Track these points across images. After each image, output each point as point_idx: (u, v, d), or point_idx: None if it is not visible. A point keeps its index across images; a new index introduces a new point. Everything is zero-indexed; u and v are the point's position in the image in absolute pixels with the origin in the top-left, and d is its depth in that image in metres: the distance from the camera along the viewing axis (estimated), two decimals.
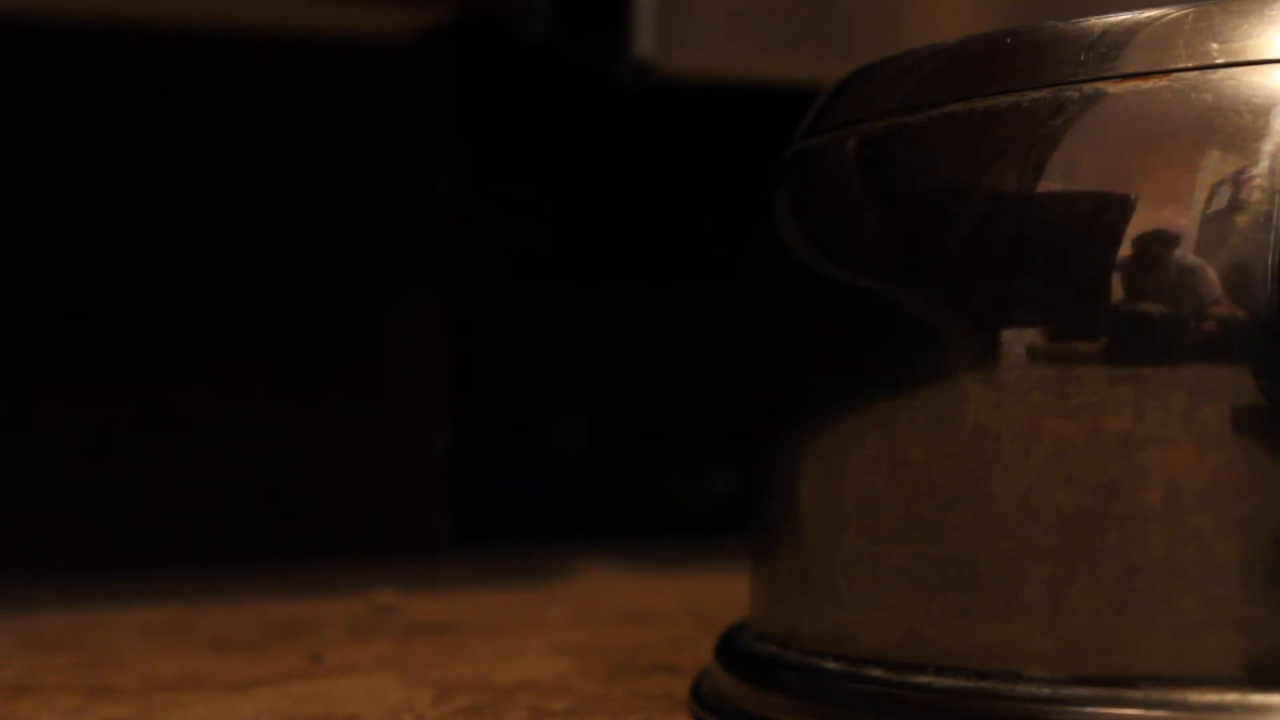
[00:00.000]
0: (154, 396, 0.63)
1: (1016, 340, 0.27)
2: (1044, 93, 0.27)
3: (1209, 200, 0.26)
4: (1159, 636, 0.25)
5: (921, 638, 0.28)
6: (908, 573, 0.28)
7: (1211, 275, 0.25)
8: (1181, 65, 0.26)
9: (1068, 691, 0.26)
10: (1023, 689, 0.26)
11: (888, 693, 0.28)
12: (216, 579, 0.58)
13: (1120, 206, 0.26)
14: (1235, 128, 0.26)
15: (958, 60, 0.30)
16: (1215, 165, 0.26)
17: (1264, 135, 0.26)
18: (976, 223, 0.28)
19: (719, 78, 0.61)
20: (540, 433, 0.71)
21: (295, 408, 0.65)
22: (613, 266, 0.72)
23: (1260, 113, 0.26)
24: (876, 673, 0.28)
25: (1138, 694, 0.25)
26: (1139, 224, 0.26)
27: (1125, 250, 0.26)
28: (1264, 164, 0.25)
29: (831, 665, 0.30)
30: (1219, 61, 0.26)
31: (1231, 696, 0.25)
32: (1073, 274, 0.26)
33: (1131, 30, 0.27)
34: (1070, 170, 0.27)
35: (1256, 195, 0.25)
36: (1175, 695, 0.25)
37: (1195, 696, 0.25)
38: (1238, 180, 0.25)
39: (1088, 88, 0.27)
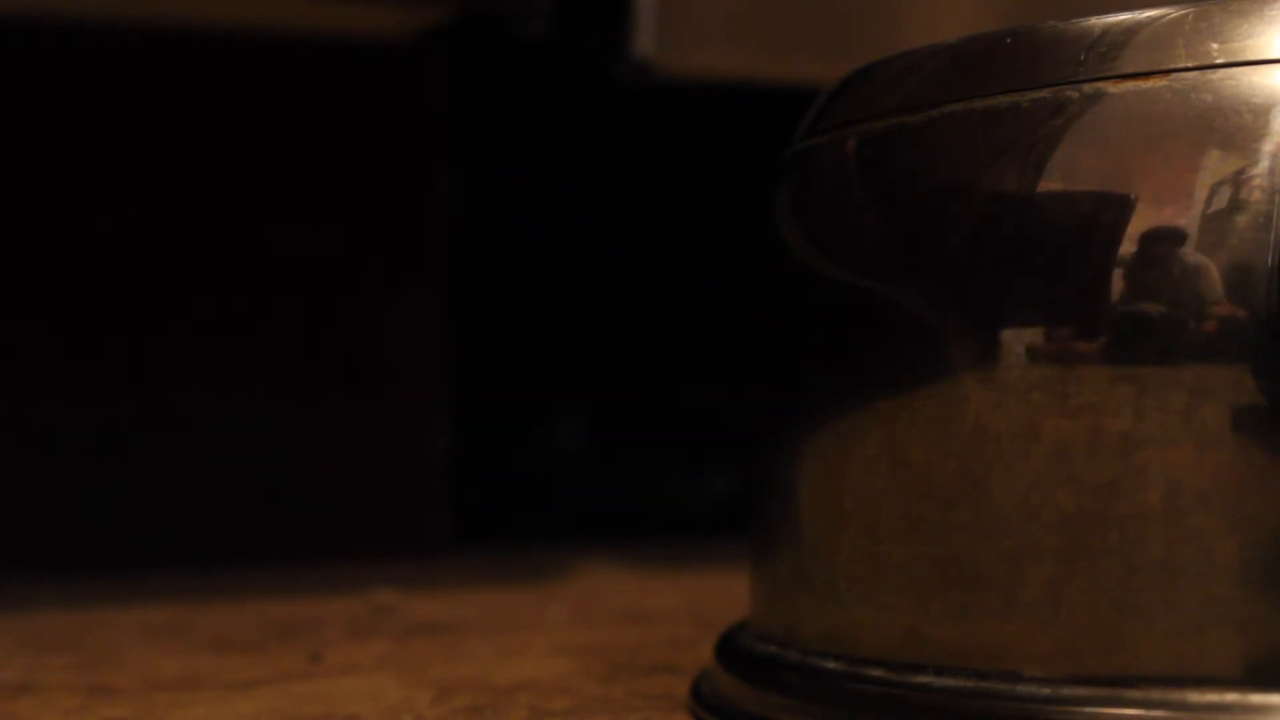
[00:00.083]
0: (154, 396, 0.63)
1: (1016, 340, 0.27)
2: (1044, 93, 0.27)
3: (1209, 200, 0.26)
4: (1159, 636, 0.25)
5: (921, 638, 0.28)
6: (908, 573, 0.28)
7: (1211, 275, 0.25)
8: (1181, 65, 0.26)
9: (1068, 691, 0.26)
10: (1023, 689, 0.26)
11: (888, 693, 0.28)
12: (216, 579, 0.58)
13: (1120, 206, 0.26)
14: (1235, 128, 0.26)
15: (958, 60, 0.30)
16: (1215, 165, 0.26)
17: (1264, 135, 0.25)
18: (976, 223, 0.28)
19: (719, 78, 0.61)
20: (540, 433, 0.71)
21: (295, 408, 0.65)
22: (613, 266, 0.72)
23: (1260, 113, 0.26)
24: (876, 673, 0.28)
25: (1138, 694, 0.25)
26: (1139, 224, 0.26)
27: (1125, 250, 0.26)
28: (1264, 164, 0.25)
29: (831, 665, 0.30)
30: (1219, 61, 0.26)
31: (1231, 696, 0.25)
32: (1073, 274, 0.26)
33: (1131, 30, 0.27)
34: (1070, 170, 0.27)
35: (1256, 195, 0.25)
36: (1175, 695, 0.25)
37: (1195, 696, 0.25)
38: (1238, 180, 0.25)
39: (1088, 88, 0.27)
